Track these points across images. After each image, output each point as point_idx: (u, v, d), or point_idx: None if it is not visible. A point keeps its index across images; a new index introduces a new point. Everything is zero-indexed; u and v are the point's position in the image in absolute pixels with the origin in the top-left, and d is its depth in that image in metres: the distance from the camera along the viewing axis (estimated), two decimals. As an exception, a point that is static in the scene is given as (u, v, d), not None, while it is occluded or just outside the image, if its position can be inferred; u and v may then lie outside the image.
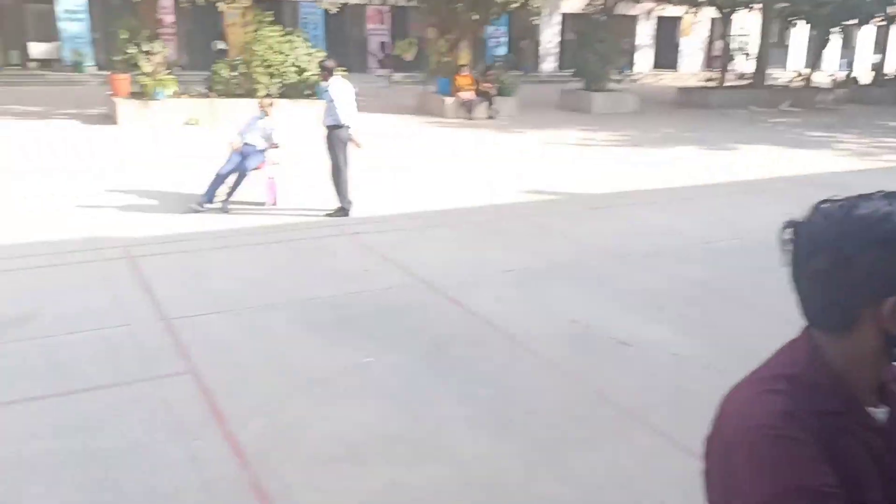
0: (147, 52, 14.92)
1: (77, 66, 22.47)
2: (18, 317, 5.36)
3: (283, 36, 15.91)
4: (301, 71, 15.82)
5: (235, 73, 15.65)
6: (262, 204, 8.78)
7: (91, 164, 10.74)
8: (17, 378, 4.43)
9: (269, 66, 15.52)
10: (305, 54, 16.06)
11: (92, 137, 13.17)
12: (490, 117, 18.12)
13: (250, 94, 15.08)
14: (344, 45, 26.35)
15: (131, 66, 15.01)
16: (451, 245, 7.61)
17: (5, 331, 5.12)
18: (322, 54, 15.17)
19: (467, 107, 17.99)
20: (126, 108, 14.60)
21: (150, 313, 5.51)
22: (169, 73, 15.24)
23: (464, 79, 18.23)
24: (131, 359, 4.80)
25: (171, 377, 4.57)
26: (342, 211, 8.48)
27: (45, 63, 22.83)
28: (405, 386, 4.56)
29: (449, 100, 18.27)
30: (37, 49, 22.81)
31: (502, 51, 29.20)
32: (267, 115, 8.93)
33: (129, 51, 14.83)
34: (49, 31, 22.75)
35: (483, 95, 18.31)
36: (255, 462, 3.69)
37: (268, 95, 12.90)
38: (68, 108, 15.99)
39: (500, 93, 18.83)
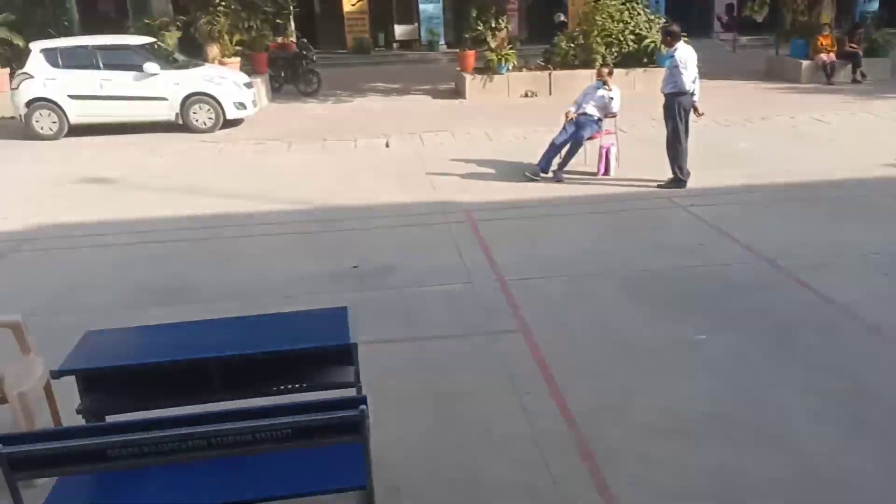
0: (493, 29, 15.80)
1: (431, 45, 24.63)
2: (380, 269, 6.10)
3: (623, 4, 15.69)
4: (640, 39, 15.47)
5: (573, 45, 15.85)
6: (595, 174, 8.81)
7: (436, 136, 11.73)
8: (379, 321, 5.04)
9: (607, 36, 15.45)
10: (645, 21, 15.66)
11: (438, 111, 14.38)
12: (855, 81, 15.93)
13: (587, 64, 15.17)
14: (685, 9, 25.04)
15: (479, 42, 16.01)
16: (800, 221, 6.90)
17: (370, 280, 5.88)
18: (662, 20, 14.65)
19: (827, 70, 16.03)
20: (471, 82, 15.64)
21: (489, 273, 5.89)
22: (511, 48, 15.95)
23: (825, 39, 16.24)
24: (471, 313, 5.19)
25: (506, 333, 4.85)
26: (678, 182, 8.16)
27: (405, 44, 25.45)
28: (741, 368, 4.27)
29: (805, 63, 16.44)
30: (400, 31, 25.53)
31: (875, 6, 25.38)
32: (605, 84, 8.89)
33: (477, 28, 15.84)
34: (410, 14, 25.30)
35: (847, 57, 16.15)
36: (581, 422, 3.77)
37: (604, 65, 12.87)
38: (422, 85, 17.60)
39: (869, 54, 16.43)
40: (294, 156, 10.78)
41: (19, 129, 12.34)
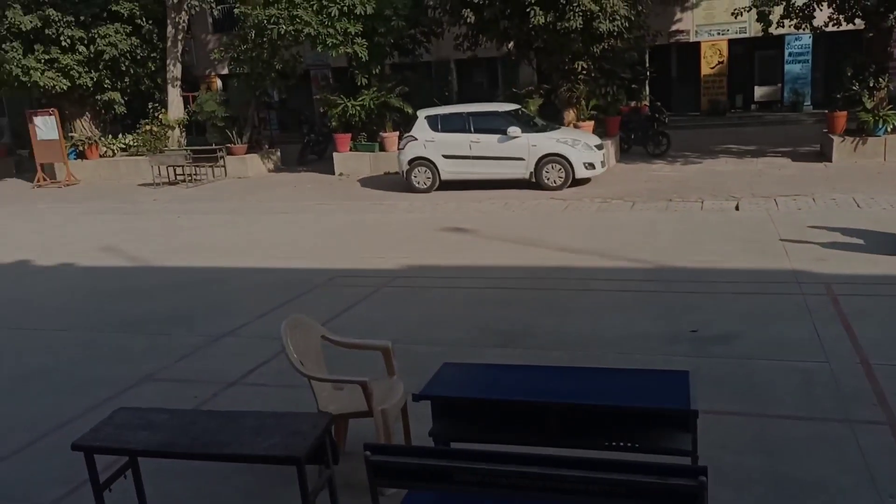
0: (872, 88, 14.24)
1: (795, 106, 23.05)
2: (721, 336, 5.79)
3: None
4: None
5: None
6: None
7: (794, 200, 10.83)
8: (717, 391, 4.77)
9: None
10: None
11: (797, 174, 13.26)
12: None
13: None
14: None
15: (852, 102, 14.55)
16: None
17: (710, 347, 5.61)
18: None
19: None
20: (840, 144, 14.21)
21: (851, 354, 5.25)
22: (891, 108, 14.18)
23: None
24: (826, 396, 4.67)
25: (868, 424, 4.27)
26: None
27: (765, 105, 24.13)
28: None
29: None
30: (760, 92, 24.34)
31: None
32: None
33: (853, 87, 14.42)
34: (774, 75, 23.96)
35: None
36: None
37: None
38: (781, 146, 16.45)
39: None
40: (637, 214, 10.81)
41: (400, 182, 14.31)
